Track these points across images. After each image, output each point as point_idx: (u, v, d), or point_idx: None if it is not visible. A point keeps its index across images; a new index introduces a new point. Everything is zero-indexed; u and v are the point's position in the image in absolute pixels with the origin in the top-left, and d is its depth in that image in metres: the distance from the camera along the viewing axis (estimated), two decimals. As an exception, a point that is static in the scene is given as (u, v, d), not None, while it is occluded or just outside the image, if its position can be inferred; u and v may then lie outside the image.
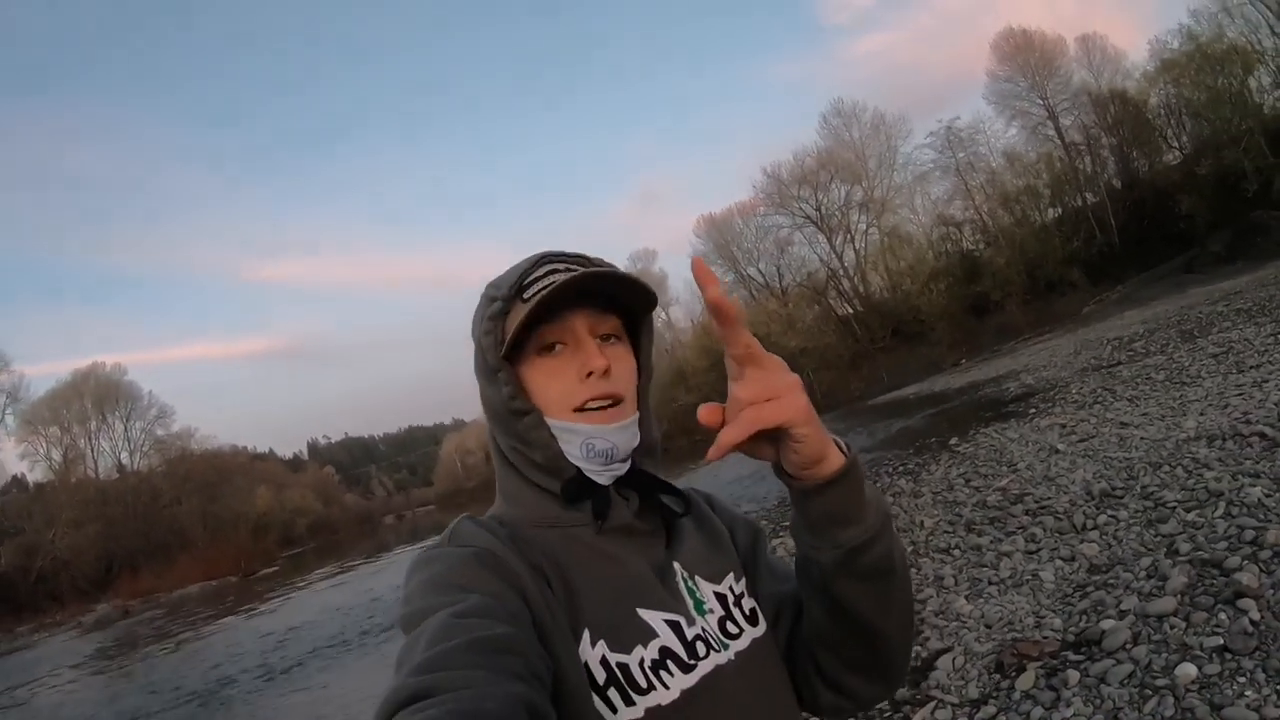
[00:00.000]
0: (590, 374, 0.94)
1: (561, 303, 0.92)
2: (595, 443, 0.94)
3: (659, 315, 61.94)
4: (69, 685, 17.52)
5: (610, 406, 0.95)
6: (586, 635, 0.86)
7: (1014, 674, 3.77)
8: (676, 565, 0.98)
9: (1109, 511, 5.62)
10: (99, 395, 54.88)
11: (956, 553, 6.22)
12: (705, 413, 0.84)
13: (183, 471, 54.74)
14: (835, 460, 0.84)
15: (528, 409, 0.95)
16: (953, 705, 3.80)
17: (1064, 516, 5.91)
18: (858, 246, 49.29)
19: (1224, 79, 33.24)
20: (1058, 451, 8.28)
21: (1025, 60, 41.51)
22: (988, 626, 4.48)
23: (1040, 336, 26.80)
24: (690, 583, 0.98)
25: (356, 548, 35.65)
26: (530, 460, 0.96)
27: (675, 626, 0.91)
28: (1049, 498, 6.61)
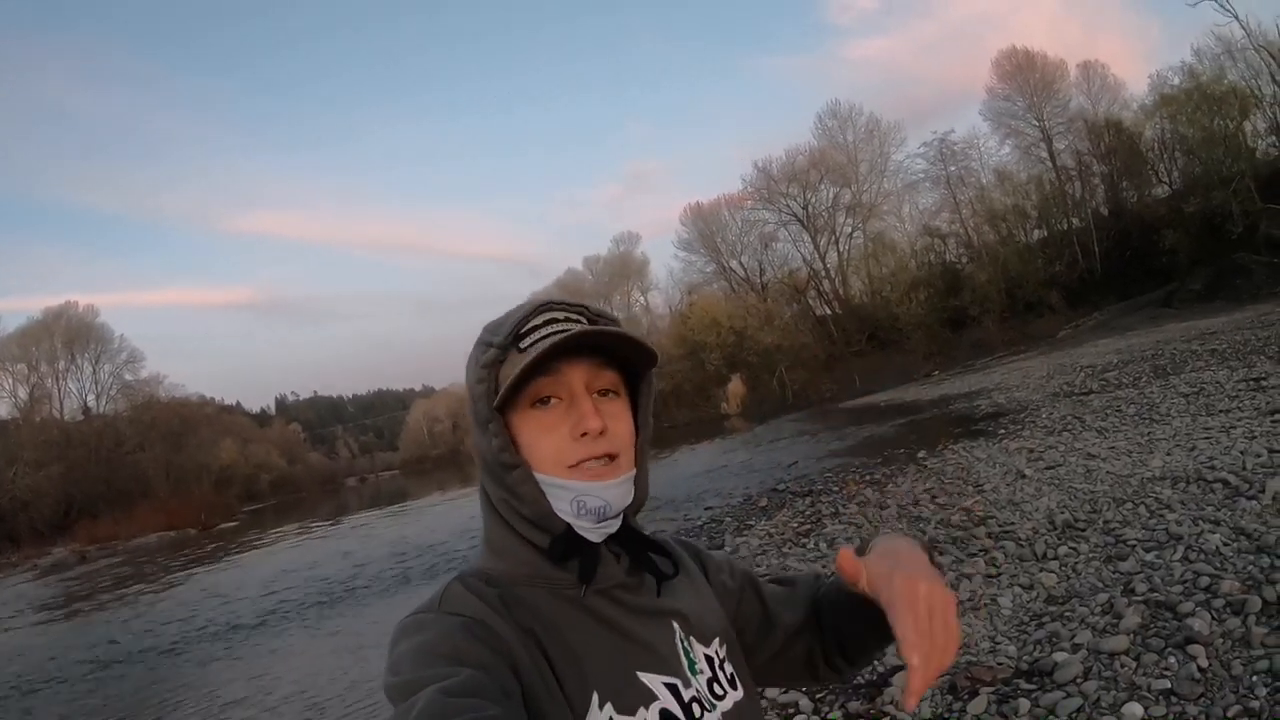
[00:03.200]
0: (585, 434, 0.91)
1: (560, 356, 0.91)
2: (587, 500, 0.92)
3: (637, 300, 62.13)
4: (19, 630, 17.37)
5: (604, 464, 0.93)
6: (595, 697, 0.86)
7: (967, 697, 3.84)
8: (675, 625, 1.00)
9: (1070, 543, 5.71)
10: (69, 335, 54.31)
11: (916, 570, 6.29)
12: (846, 562, 0.90)
13: (149, 418, 54.13)
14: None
15: (516, 463, 0.93)
16: (905, 723, 3.88)
17: (1026, 544, 5.99)
18: (841, 249, 49.74)
19: (1220, 120, 33.68)
20: (1024, 477, 8.38)
21: (1025, 80, 41.92)
22: None
23: (1015, 356, 27.10)
24: (686, 643, 0.99)
25: (318, 508, 35.48)
26: (519, 514, 0.94)
27: (673, 689, 0.93)
28: (1012, 523, 6.68)
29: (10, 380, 52.82)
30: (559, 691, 0.85)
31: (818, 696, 4.53)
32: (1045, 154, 42.07)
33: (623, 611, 0.95)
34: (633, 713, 0.88)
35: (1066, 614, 4.48)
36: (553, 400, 0.93)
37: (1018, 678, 3.90)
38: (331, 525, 26.19)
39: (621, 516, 0.97)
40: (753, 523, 10.61)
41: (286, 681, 8.44)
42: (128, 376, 56.57)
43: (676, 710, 0.91)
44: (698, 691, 0.95)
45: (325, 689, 7.74)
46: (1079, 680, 3.65)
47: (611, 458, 0.93)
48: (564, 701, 0.84)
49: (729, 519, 11.52)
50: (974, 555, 6.12)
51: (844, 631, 1.10)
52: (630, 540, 0.99)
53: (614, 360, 0.96)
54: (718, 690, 0.99)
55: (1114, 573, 4.95)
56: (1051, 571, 5.24)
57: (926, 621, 0.81)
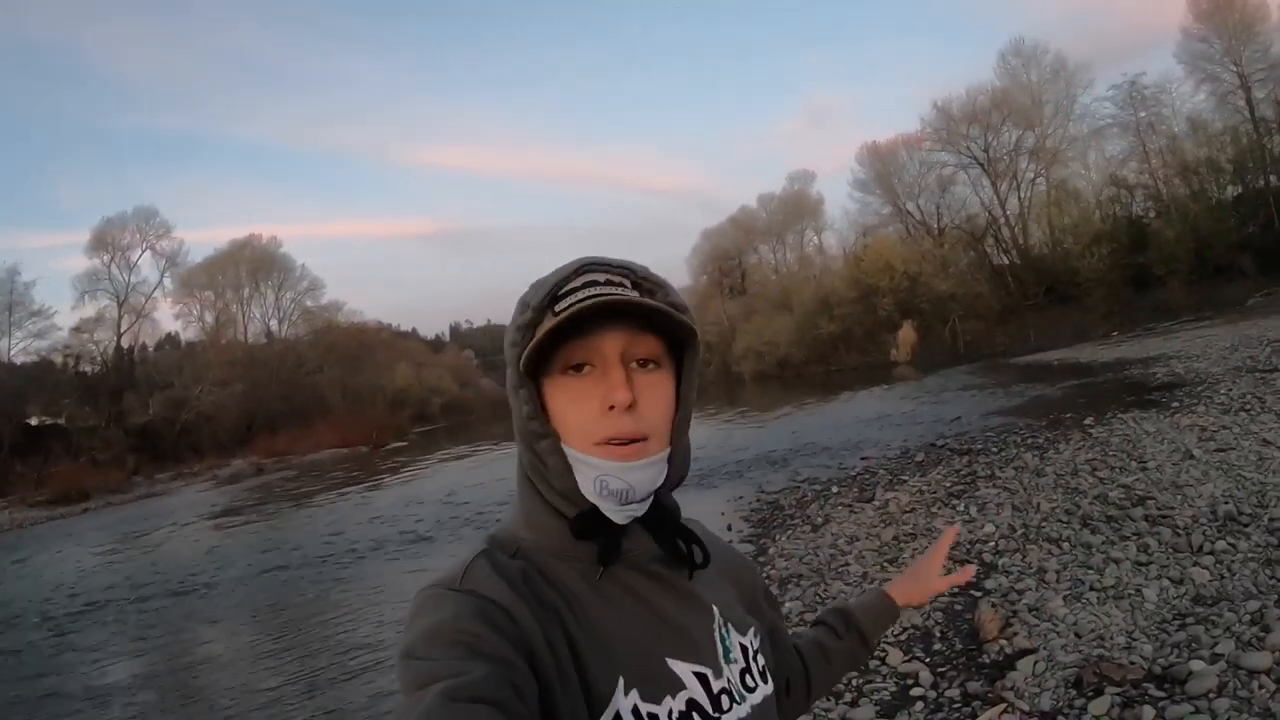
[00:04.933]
0: (612, 407, 0.86)
1: (594, 320, 0.86)
2: (609, 481, 0.87)
3: (810, 240, 61.16)
4: (199, 533, 19.04)
5: (632, 443, 0.87)
6: (621, 682, 0.84)
7: (1090, 694, 3.71)
8: (715, 610, 0.97)
9: (1229, 538, 5.36)
10: (254, 264, 57.92)
11: (1066, 546, 6.06)
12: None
13: (327, 342, 57.42)
14: None
15: (546, 432, 0.89)
16: (1022, 712, 3.77)
17: (1183, 533, 5.67)
18: (1022, 196, 47.02)
19: None
20: (1192, 457, 7.89)
21: (1223, 21, 38.21)
22: (1077, 635, 4.39)
23: (1199, 322, 25.28)
24: (724, 630, 0.96)
25: (487, 431, 36.41)
26: (549, 484, 0.90)
27: (703, 679, 0.90)
28: (1172, 507, 6.34)
29: (198, 306, 56.85)
30: (576, 678, 0.82)
31: (938, 670, 4.48)
32: (1243, 102, 38.42)
33: (660, 589, 0.93)
34: (658, 701, 0.85)
35: (1212, 617, 4.22)
36: (586, 367, 0.88)
37: (1148, 681, 3.73)
38: (497, 447, 27.10)
39: (651, 499, 0.91)
40: (906, 478, 10.52)
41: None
42: (308, 303, 60.13)
43: (704, 702, 0.88)
44: (729, 682, 0.92)
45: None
46: (1211, 695, 3.44)
47: (642, 439, 0.87)
48: (578, 690, 0.82)
49: (883, 471, 11.44)
50: (1126, 539, 5.86)
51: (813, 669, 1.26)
52: (662, 522, 0.94)
53: (656, 328, 0.90)
54: (749, 682, 0.96)
55: (1271, 578, 4.62)
56: (1205, 568, 4.94)
57: None
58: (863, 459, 13.01)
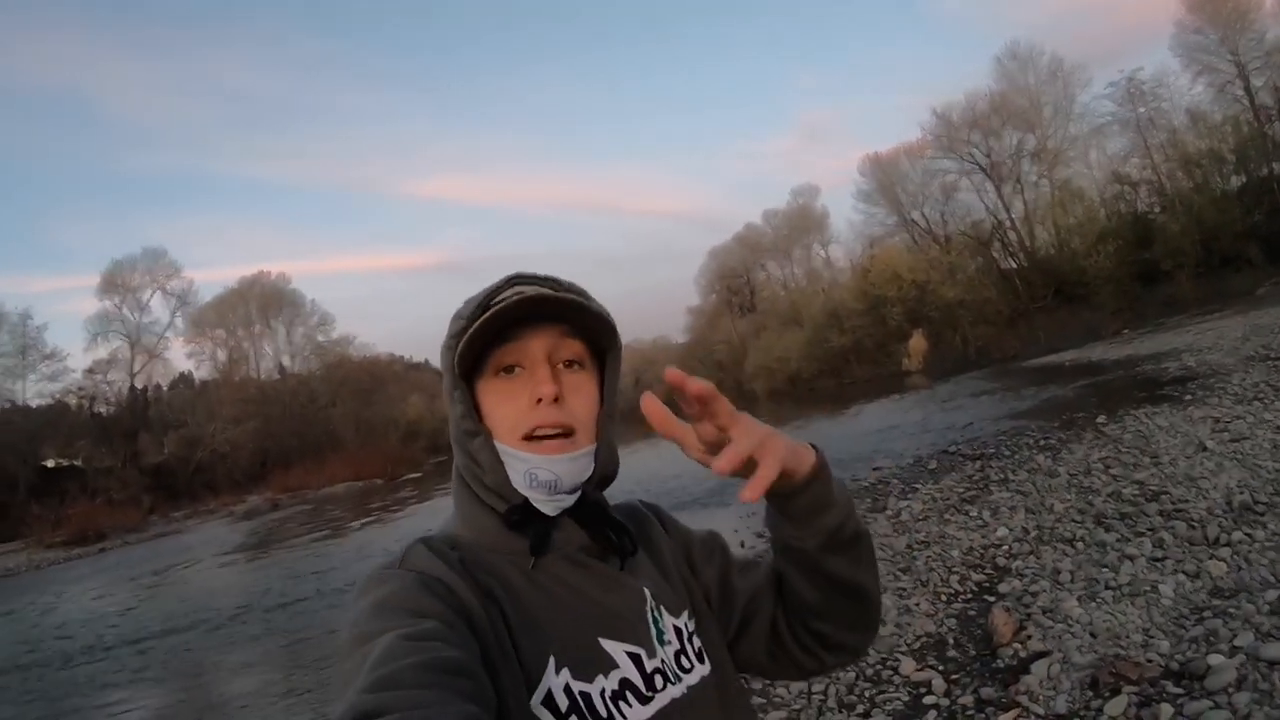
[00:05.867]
0: (540, 400, 0.92)
1: (522, 324, 0.93)
2: (538, 473, 0.92)
3: (817, 254, 61.14)
4: (217, 569, 19.17)
5: (559, 436, 0.93)
6: (552, 662, 0.86)
7: (1107, 694, 3.60)
8: (647, 592, 0.99)
9: (1246, 528, 5.23)
10: (264, 301, 58.24)
11: (1080, 545, 5.98)
12: (651, 405, 0.82)
13: (340, 376, 57.62)
14: (808, 459, 0.93)
15: (477, 430, 0.94)
16: (1037, 716, 3.67)
17: (1198, 525, 5.55)
18: (1026, 198, 46.77)
19: None
20: (1205, 449, 7.75)
21: (1216, 11, 37.98)
22: (1093, 636, 4.28)
23: (1209, 314, 25.06)
24: (656, 612, 0.98)
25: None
26: (481, 481, 0.95)
27: (636, 659, 0.92)
28: (1186, 500, 6.23)
29: (210, 344, 57.11)
30: (513, 654, 0.85)
31: (952, 678, 4.40)
32: (1241, 91, 38.13)
33: (588, 576, 0.96)
34: (590, 680, 0.88)
35: (1230, 610, 4.10)
36: (517, 369, 0.95)
37: (1166, 678, 3.62)
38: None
39: (580, 491, 0.96)
40: (919, 486, 10.46)
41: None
42: (320, 338, 60.34)
43: (637, 680, 0.91)
44: (662, 663, 0.94)
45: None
46: (1230, 690, 3.33)
47: (566, 433, 0.94)
48: (517, 664, 0.84)
49: (895, 480, 11.38)
50: (1141, 535, 5.77)
51: (804, 596, 1.05)
52: (590, 514, 0.98)
53: (581, 333, 0.97)
54: (685, 663, 0.98)
55: (1289, 566, 4.50)
56: (1222, 560, 4.82)
57: (753, 433, 0.85)
58: (875, 469, 12.95)
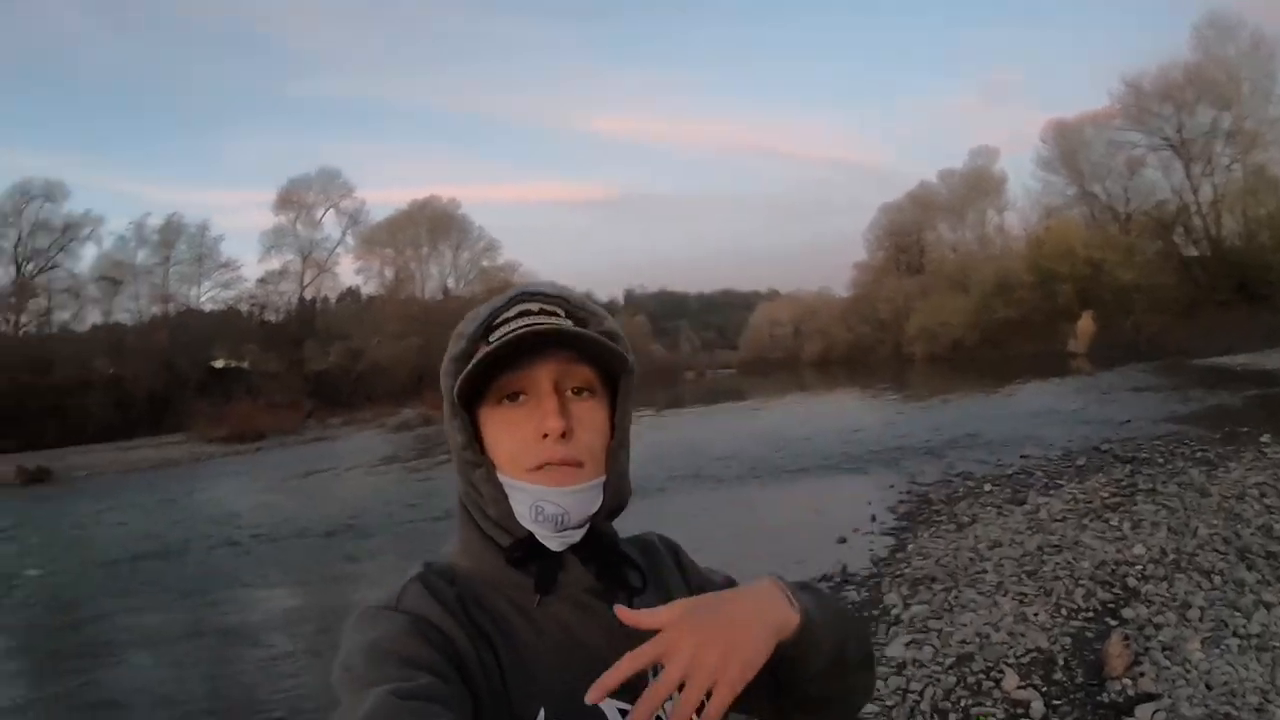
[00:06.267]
0: (546, 435, 0.88)
1: (529, 350, 0.88)
2: (545, 506, 0.88)
3: (991, 219, 58.61)
4: (363, 476, 20.10)
5: (567, 464, 0.89)
6: (542, 714, 0.84)
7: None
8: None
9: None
10: (433, 224, 59.61)
11: (1217, 579, 5.60)
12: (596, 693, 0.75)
13: (502, 301, 58.88)
14: (791, 620, 0.82)
15: (479, 461, 0.91)
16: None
17: (1352, 580, 5.22)
18: (1216, 182, 43.30)
19: None
20: (1380, 492, 7.24)
21: None
22: (1208, 687, 4.04)
23: None
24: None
25: (654, 397, 36.71)
26: (484, 512, 0.92)
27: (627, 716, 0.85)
28: (1348, 549, 5.85)
29: (378, 262, 59.20)
30: (505, 700, 0.83)
31: (1053, 703, 4.28)
32: None
33: (589, 620, 0.91)
34: None
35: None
36: (522, 396, 0.90)
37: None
38: (656, 414, 27.44)
39: (587, 525, 0.92)
40: (1063, 482, 10.08)
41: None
42: (484, 263, 61.07)
43: None
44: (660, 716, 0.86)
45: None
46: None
47: (576, 465, 0.89)
48: (508, 714, 0.82)
49: (1040, 472, 11.06)
50: (1286, 580, 5.44)
51: (803, 691, 0.97)
52: (599, 550, 0.94)
53: (592, 359, 0.92)
54: None
55: None
56: (1369, 626, 4.51)
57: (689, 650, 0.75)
58: (1022, 457, 12.61)
